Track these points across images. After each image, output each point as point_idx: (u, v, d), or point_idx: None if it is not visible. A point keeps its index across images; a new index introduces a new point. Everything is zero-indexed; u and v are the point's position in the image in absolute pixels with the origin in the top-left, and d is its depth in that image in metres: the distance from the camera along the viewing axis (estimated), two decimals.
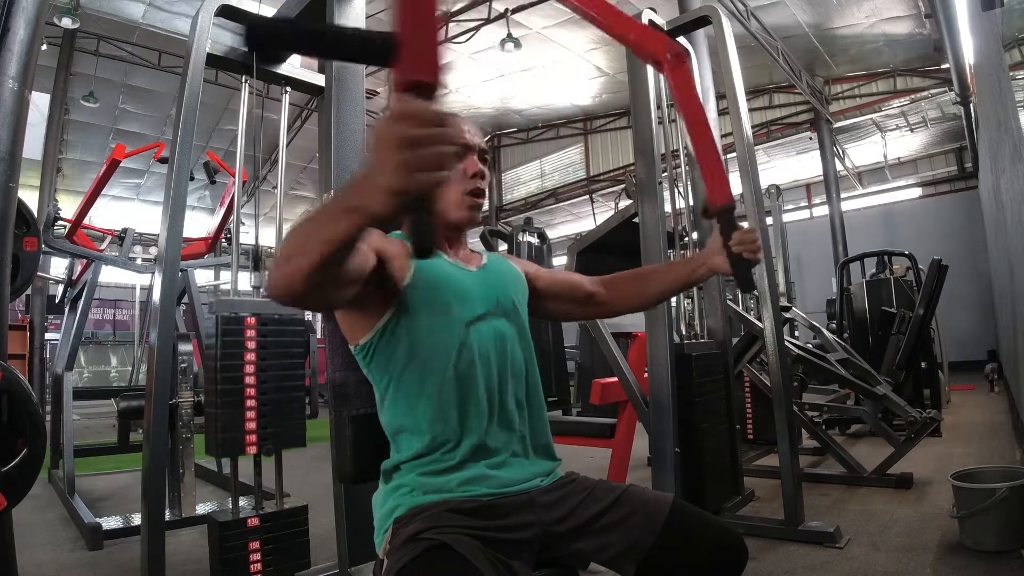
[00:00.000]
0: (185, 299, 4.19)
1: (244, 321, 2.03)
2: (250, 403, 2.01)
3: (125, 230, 4.50)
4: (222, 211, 4.58)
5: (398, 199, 0.56)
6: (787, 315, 4.31)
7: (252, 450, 2.01)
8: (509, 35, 10.02)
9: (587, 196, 15.06)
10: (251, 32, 1.90)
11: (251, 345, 2.03)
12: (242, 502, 2.15)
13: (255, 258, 2.29)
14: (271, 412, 2.05)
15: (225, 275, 7.86)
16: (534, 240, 6.29)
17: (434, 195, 0.57)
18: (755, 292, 3.64)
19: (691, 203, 2.93)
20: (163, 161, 2.74)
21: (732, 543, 0.96)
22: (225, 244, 4.62)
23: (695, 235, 2.97)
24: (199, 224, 11.26)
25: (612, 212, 3.30)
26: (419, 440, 0.97)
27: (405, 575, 0.84)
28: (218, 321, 1.99)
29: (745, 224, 1.16)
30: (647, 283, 1.24)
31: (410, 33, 0.58)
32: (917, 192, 12.37)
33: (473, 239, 1.21)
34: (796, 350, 3.63)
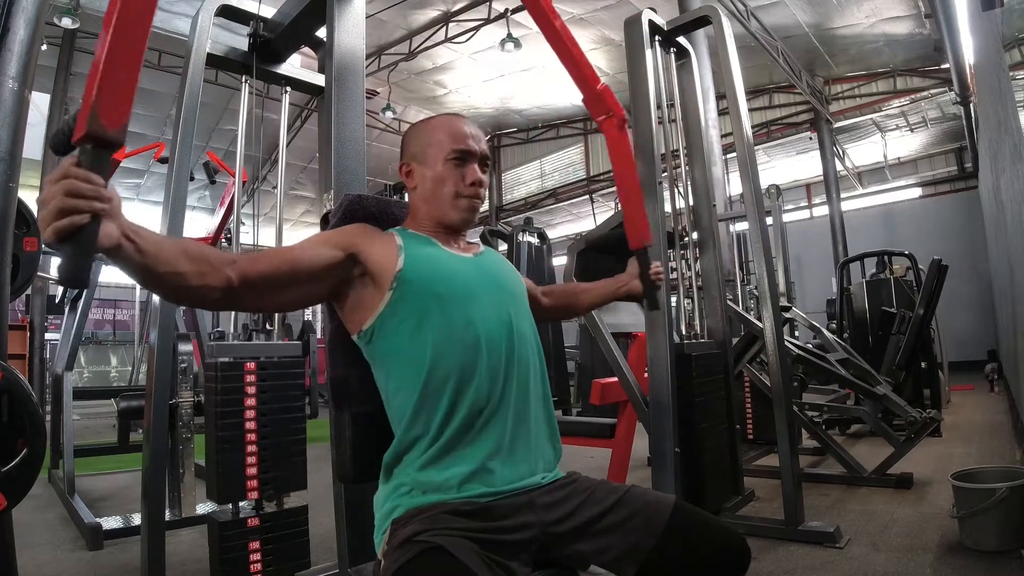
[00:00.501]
0: None
1: (243, 367, 2.02)
2: (250, 448, 2.00)
3: None
4: (222, 211, 4.57)
5: (52, 241, 0.63)
6: (787, 315, 4.31)
7: (253, 495, 2.01)
8: (509, 35, 10.02)
9: (587, 196, 15.07)
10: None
11: (251, 390, 2.02)
12: (242, 502, 2.15)
13: None
14: (272, 456, 2.04)
15: None
16: (534, 240, 6.30)
17: (86, 232, 0.64)
18: (755, 291, 3.63)
19: (691, 203, 2.93)
20: (163, 161, 2.74)
21: (734, 544, 0.96)
22: (225, 244, 4.62)
23: (695, 235, 2.97)
24: (199, 224, 11.26)
25: (612, 212, 3.30)
26: (421, 427, 0.97)
27: None
28: (217, 368, 1.99)
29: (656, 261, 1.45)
30: (582, 298, 1.43)
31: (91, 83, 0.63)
32: (917, 192, 12.37)
33: (473, 239, 1.23)
34: (796, 350, 3.63)
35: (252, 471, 2.00)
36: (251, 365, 2.03)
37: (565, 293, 1.43)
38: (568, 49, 1.49)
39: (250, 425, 2.01)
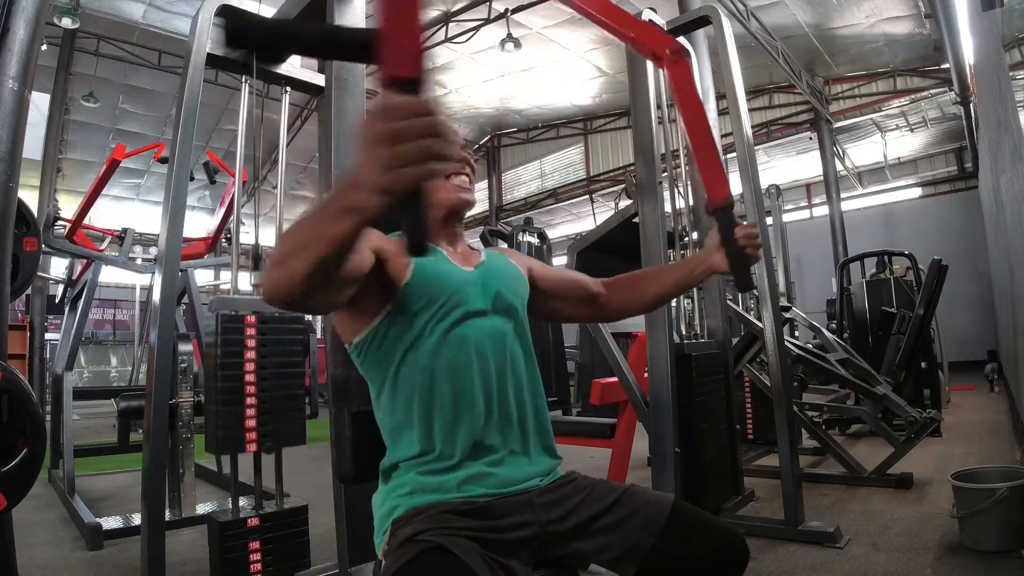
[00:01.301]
0: (185, 299, 4.19)
1: (244, 320, 2.03)
2: (250, 401, 2.01)
3: (125, 230, 4.50)
4: (222, 211, 4.58)
5: (387, 197, 0.55)
6: (787, 315, 4.31)
7: (252, 447, 2.01)
8: (509, 35, 10.02)
9: (587, 196, 15.06)
10: (241, 32, 1.90)
11: (251, 343, 2.03)
12: (242, 502, 2.15)
13: (255, 258, 2.29)
14: (271, 409, 2.05)
15: (225, 275, 7.85)
16: (534, 240, 6.30)
17: (426, 190, 0.56)
18: (755, 292, 3.64)
19: (691, 203, 2.93)
20: (163, 161, 2.74)
21: (733, 543, 0.96)
22: (225, 244, 4.62)
23: (695, 235, 2.97)
24: (199, 224, 11.25)
25: (612, 212, 3.30)
26: (417, 438, 0.97)
27: None
28: (218, 319, 1.99)
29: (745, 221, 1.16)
30: (646, 286, 1.22)
31: (392, 29, 0.57)
32: (917, 192, 12.38)
33: (473, 239, 1.22)
34: (796, 350, 3.63)
35: (251, 423, 2.01)
36: (251, 319, 2.04)
37: (631, 282, 1.23)
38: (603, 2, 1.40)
39: (249, 378, 2.02)
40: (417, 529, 0.89)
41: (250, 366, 2.02)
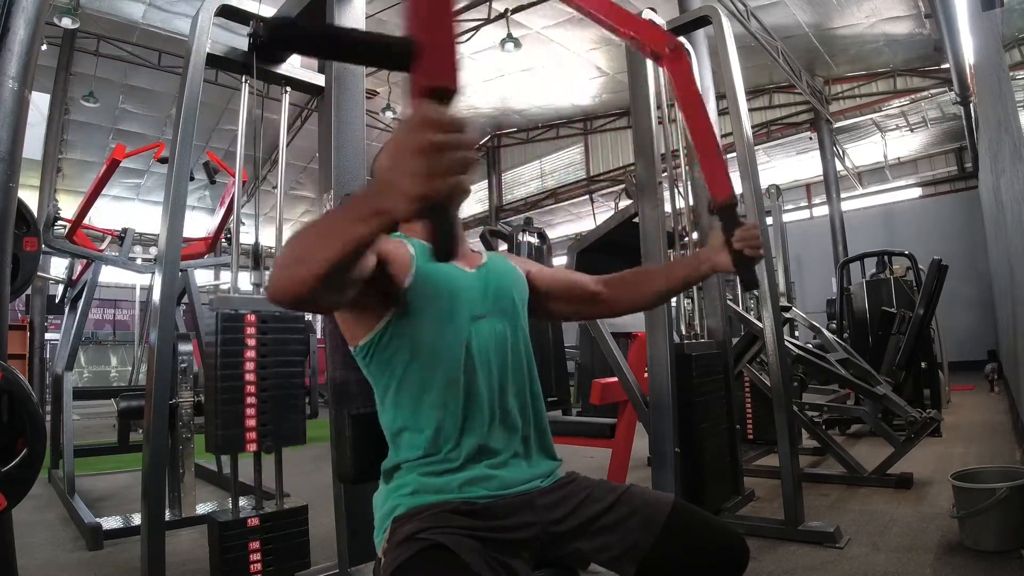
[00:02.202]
0: (185, 299, 4.19)
1: (244, 319, 2.03)
2: (250, 400, 2.01)
3: (125, 230, 4.50)
4: (222, 211, 4.58)
5: (420, 204, 0.56)
6: (787, 315, 4.31)
7: (252, 447, 2.01)
8: (509, 35, 10.02)
9: (587, 196, 15.05)
10: (269, 32, 1.91)
11: (251, 342, 2.03)
12: (242, 502, 2.15)
13: (255, 258, 2.30)
14: (271, 409, 2.05)
15: (225, 275, 7.86)
16: (534, 240, 6.30)
17: (455, 200, 0.57)
18: (756, 291, 3.64)
19: (691, 203, 2.93)
20: (163, 161, 2.74)
21: (733, 543, 0.96)
22: (225, 244, 4.62)
23: (695, 235, 2.97)
24: (199, 224, 11.25)
25: (612, 212, 3.30)
26: (420, 441, 0.97)
27: (400, 574, 0.85)
28: (218, 318, 1.99)
29: (747, 220, 1.17)
30: (648, 282, 1.23)
31: (428, 38, 0.57)
32: (917, 192, 12.37)
33: (473, 239, 1.22)
34: (796, 350, 3.63)
35: (251, 422, 2.01)
36: (252, 317, 2.04)
37: (633, 279, 1.23)
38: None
39: (250, 377, 2.02)
40: (417, 527, 0.89)
41: (250, 365, 2.02)
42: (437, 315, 0.98)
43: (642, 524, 0.96)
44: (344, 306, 0.93)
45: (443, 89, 0.57)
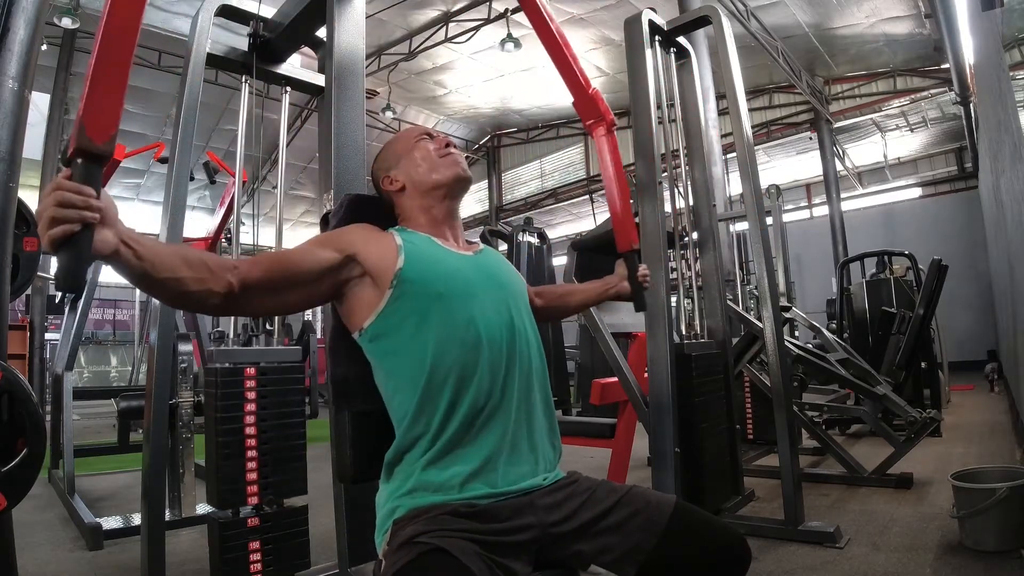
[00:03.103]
0: None
1: (243, 372, 2.02)
2: (251, 454, 2.00)
3: None
4: (222, 211, 4.58)
5: (49, 249, 0.68)
6: (787, 315, 4.31)
7: (253, 500, 2.01)
8: (509, 35, 10.02)
9: (587, 196, 15.07)
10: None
11: (251, 396, 2.02)
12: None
13: None
14: (272, 461, 2.04)
15: None
16: (534, 240, 6.29)
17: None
18: (755, 291, 3.63)
19: (691, 203, 2.93)
20: (163, 161, 2.74)
21: (734, 544, 0.96)
22: (225, 244, 4.62)
23: (695, 235, 2.97)
24: (199, 224, 11.24)
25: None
26: (422, 426, 0.97)
27: None
28: (217, 373, 1.98)
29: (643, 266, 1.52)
30: (571, 298, 1.45)
31: (90, 93, 0.68)
32: (917, 192, 12.38)
33: (473, 239, 1.24)
34: (796, 350, 3.63)
35: (252, 476, 2.00)
36: (251, 371, 2.03)
37: (555, 294, 1.44)
38: (562, 52, 1.56)
39: (250, 431, 2.01)
40: (417, 531, 0.89)
41: (250, 419, 2.01)
42: (436, 295, 1.01)
43: (644, 526, 0.96)
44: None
45: (84, 151, 0.68)
